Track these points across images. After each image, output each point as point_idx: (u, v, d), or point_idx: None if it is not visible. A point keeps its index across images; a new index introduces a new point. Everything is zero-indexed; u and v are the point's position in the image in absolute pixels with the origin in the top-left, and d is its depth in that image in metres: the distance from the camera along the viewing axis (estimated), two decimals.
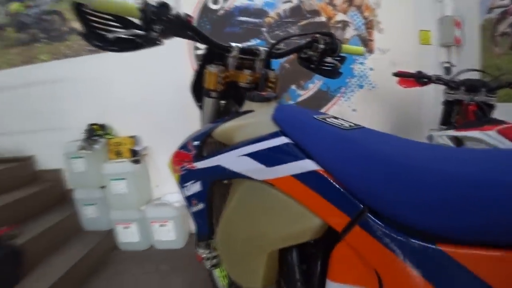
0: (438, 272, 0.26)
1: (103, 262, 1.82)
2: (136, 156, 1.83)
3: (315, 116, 0.48)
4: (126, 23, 0.62)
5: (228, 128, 0.59)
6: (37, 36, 2.09)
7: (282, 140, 0.44)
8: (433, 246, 0.26)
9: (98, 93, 2.04)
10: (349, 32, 1.92)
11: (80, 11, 0.58)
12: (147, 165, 2.01)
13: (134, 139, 1.91)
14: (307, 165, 0.39)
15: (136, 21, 0.62)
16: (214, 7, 1.88)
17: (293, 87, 1.91)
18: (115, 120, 2.03)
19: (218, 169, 0.55)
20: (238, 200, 0.54)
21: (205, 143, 0.65)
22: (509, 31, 1.56)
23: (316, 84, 1.90)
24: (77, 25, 1.96)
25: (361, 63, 1.89)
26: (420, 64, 1.96)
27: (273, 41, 1.86)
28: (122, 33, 0.62)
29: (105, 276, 1.67)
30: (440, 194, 0.26)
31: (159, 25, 0.60)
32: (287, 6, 1.89)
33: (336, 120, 0.48)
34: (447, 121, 1.31)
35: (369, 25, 1.93)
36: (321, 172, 0.37)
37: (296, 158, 0.41)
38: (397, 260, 0.28)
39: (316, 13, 1.90)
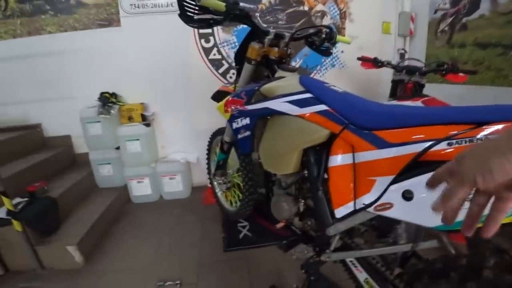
0: (371, 139, 0.66)
1: (121, 212, 2.14)
2: (146, 120, 2.13)
3: (324, 84, 0.89)
4: (207, 11, 0.95)
5: (272, 86, 0.96)
6: (43, 8, 2.19)
7: (308, 95, 0.83)
8: (370, 132, 0.66)
9: (107, 64, 2.21)
10: (326, 21, 2.30)
11: (180, 1, 0.93)
12: (154, 128, 2.31)
13: (143, 105, 2.19)
14: (322, 107, 0.78)
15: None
16: None
17: None
18: (124, 89, 2.26)
19: (267, 109, 0.92)
20: (279, 125, 0.92)
21: (253, 95, 1.01)
22: (447, 29, 2.04)
23: (297, 62, 2.33)
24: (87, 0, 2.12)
25: (335, 46, 2.28)
26: (381, 49, 2.41)
27: (264, 25, 2.20)
28: (204, 16, 0.96)
29: (128, 220, 2.02)
30: (373, 115, 0.71)
31: (232, 14, 0.95)
32: None
33: (335, 87, 0.88)
34: (393, 95, 1.79)
35: (343, 15, 2.32)
36: (330, 109, 0.76)
37: (317, 104, 0.79)
38: (359, 138, 0.68)
39: (301, 3, 2.25)
